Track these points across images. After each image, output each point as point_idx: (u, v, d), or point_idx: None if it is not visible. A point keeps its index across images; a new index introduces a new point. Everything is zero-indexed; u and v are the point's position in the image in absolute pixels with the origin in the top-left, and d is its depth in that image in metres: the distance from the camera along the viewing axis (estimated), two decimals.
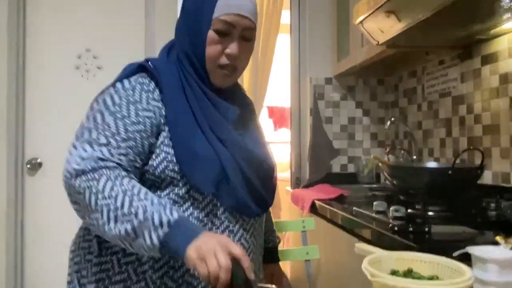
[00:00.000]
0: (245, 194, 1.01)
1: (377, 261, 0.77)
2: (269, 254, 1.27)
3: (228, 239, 0.85)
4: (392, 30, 1.66)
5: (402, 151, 2.26)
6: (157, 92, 1.02)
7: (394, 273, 0.76)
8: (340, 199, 1.97)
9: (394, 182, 1.58)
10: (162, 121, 1.00)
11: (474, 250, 0.79)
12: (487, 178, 1.70)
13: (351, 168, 2.66)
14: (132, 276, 0.97)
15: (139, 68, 1.05)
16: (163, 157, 0.98)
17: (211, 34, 1.01)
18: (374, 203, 1.53)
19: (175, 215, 0.86)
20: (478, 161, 1.67)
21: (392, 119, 2.13)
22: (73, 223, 1.08)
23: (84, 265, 1.02)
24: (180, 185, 0.98)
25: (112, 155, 0.92)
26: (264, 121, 4.28)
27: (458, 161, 1.43)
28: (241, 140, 1.05)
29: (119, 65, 1.09)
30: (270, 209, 1.23)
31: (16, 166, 2.51)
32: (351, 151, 2.67)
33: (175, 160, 0.97)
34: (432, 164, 1.80)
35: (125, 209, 0.86)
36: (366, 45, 2.08)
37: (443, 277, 0.75)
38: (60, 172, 0.92)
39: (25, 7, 2.55)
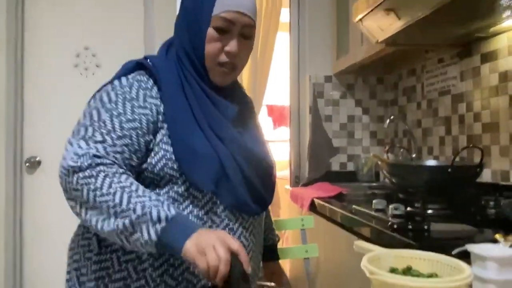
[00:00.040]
0: (244, 192, 1.01)
1: (376, 259, 0.77)
2: (269, 252, 1.28)
3: (225, 233, 0.87)
4: (391, 28, 1.66)
5: (402, 149, 2.26)
6: (155, 89, 1.02)
7: (393, 270, 0.76)
8: (339, 197, 1.98)
9: (394, 180, 1.58)
10: (160, 118, 0.99)
11: (473, 248, 0.79)
12: (486, 176, 1.70)
13: (350, 166, 2.67)
14: (132, 274, 0.97)
15: (138, 66, 1.05)
16: (162, 155, 0.97)
17: (210, 31, 1.01)
18: (374, 201, 1.53)
19: (173, 211, 0.87)
20: (477, 159, 1.67)
21: (392, 117, 2.13)
22: (72, 221, 1.08)
23: (84, 263, 1.02)
24: (179, 183, 0.98)
25: (107, 153, 0.92)
26: (263, 119, 4.28)
27: (457, 159, 1.43)
28: (240, 138, 1.04)
29: (118, 63, 1.09)
30: (269, 207, 1.23)
31: (15, 164, 2.51)
32: (350, 149, 2.67)
33: (174, 158, 0.97)
34: (431, 162, 1.80)
35: (124, 205, 0.86)
36: (366, 43, 2.08)
37: (442, 274, 0.75)
38: None
39: (23, 1, 2.55)
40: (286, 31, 2.91)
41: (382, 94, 2.70)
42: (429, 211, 1.45)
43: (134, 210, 0.86)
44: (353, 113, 2.68)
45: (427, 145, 2.19)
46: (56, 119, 2.54)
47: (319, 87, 2.65)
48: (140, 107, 0.98)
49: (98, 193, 0.87)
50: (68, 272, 1.05)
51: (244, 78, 3.52)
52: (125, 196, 0.87)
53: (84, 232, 1.04)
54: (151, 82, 1.02)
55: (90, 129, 0.94)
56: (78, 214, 0.92)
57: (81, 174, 0.89)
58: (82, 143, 0.92)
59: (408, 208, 1.45)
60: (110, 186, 0.88)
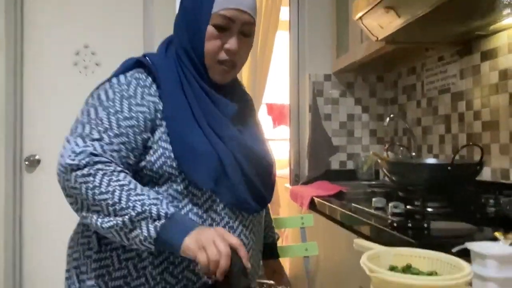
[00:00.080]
0: (244, 190, 1.01)
1: (375, 257, 0.77)
2: (269, 250, 1.28)
3: (224, 229, 0.89)
4: (391, 26, 1.66)
5: (401, 148, 2.26)
6: (154, 87, 1.01)
7: (392, 268, 0.76)
8: (339, 196, 1.98)
9: (393, 178, 1.58)
10: (158, 116, 0.99)
11: (473, 246, 0.79)
12: (486, 174, 1.70)
13: (350, 165, 2.66)
14: (132, 272, 0.97)
15: (137, 64, 1.05)
16: (161, 153, 0.97)
17: (210, 29, 1.00)
18: (373, 199, 1.53)
19: (171, 209, 0.89)
20: (477, 157, 1.67)
21: (391, 115, 2.12)
22: (71, 220, 1.08)
23: (83, 261, 1.01)
24: (178, 181, 0.98)
25: (104, 151, 0.92)
26: (263, 118, 4.28)
27: (457, 157, 1.43)
28: (240, 136, 1.04)
29: (118, 61, 1.08)
30: (269, 205, 1.23)
31: (14, 163, 2.50)
32: (350, 148, 2.67)
33: (173, 156, 0.97)
34: (431, 161, 1.81)
35: (123, 203, 0.87)
36: (366, 41, 2.07)
37: (442, 272, 0.75)
38: None
39: None
40: (285, 30, 2.91)
41: (382, 93, 2.70)
42: (429, 209, 1.45)
43: (134, 208, 0.87)
44: (352, 111, 2.68)
45: (427, 143, 2.19)
46: (56, 117, 2.54)
47: (318, 85, 2.65)
48: (137, 105, 0.98)
49: (97, 191, 0.88)
50: (68, 270, 1.05)
51: (244, 76, 3.52)
52: (124, 194, 0.88)
53: (83, 230, 1.04)
54: (149, 80, 1.02)
55: (87, 127, 0.94)
56: (77, 211, 0.92)
57: (79, 173, 0.89)
58: (79, 141, 0.92)
59: (408, 206, 1.45)
60: (108, 185, 0.88)
